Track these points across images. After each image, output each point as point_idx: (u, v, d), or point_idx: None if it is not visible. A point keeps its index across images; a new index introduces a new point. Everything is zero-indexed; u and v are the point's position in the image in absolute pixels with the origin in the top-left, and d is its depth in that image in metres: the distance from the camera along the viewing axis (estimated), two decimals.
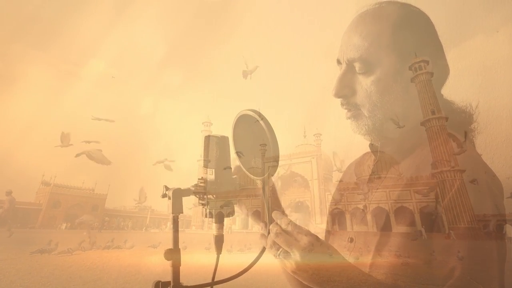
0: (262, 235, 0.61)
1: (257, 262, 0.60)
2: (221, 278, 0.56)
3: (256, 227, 0.65)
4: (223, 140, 0.59)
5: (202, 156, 0.60)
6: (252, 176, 0.60)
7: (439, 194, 0.64)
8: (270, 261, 0.61)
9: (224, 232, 0.60)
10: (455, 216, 0.61)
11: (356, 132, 0.80)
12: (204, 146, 0.59)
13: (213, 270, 0.57)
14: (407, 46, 0.75)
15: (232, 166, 0.61)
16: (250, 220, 0.67)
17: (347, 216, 0.79)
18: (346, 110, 0.82)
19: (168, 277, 0.52)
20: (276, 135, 0.56)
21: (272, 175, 0.59)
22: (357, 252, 0.71)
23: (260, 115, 0.55)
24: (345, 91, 0.79)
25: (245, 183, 0.64)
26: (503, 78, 0.94)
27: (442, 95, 0.80)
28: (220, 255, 0.59)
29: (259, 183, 0.60)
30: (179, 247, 0.54)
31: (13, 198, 21.35)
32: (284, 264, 0.57)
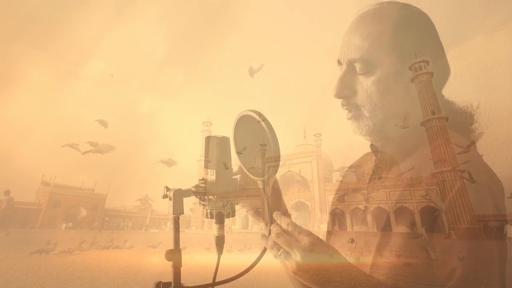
0: (263, 236, 0.61)
1: (258, 263, 0.59)
2: (222, 279, 0.55)
3: (256, 227, 0.65)
4: (223, 140, 0.59)
5: (203, 156, 0.60)
6: (252, 176, 0.60)
7: (439, 194, 0.64)
8: (271, 262, 0.61)
9: (225, 232, 0.60)
10: (455, 216, 0.61)
11: (356, 133, 0.80)
12: (205, 147, 0.59)
13: (213, 271, 0.57)
14: (408, 47, 0.75)
15: (234, 167, 0.61)
16: (250, 220, 0.67)
17: (347, 217, 0.79)
18: (346, 111, 0.82)
19: (168, 278, 0.52)
20: (277, 136, 0.56)
21: (273, 176, 0.59)
22: (358, 252, 0.71)
23: (261, 116, 0.55)
24: (346, 92, 0.79)
25: (246, 183, 0.64)
26: (504, 79, 0.94)
27: (443, 96, 0.79)
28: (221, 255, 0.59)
29: (259, 183, 0.60)
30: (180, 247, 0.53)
31: (11, 198, 21.31)
32: (285, 265, 0.57)
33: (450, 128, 0.72)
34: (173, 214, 0.54)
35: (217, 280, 0.55)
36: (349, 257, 0.71)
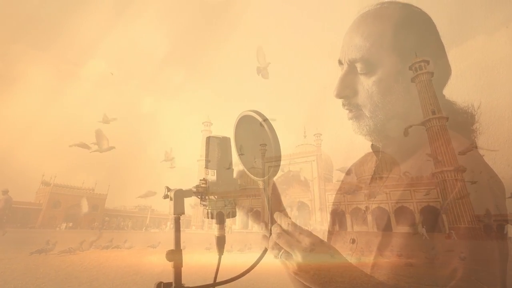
0: (264, 236, 0.60)
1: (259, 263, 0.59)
2: (222, 279, 0.55)
3: (256, 227, 0.65)
4: (224, 141, 0.59)
5: (203, 156, 0.60)
6: (253, 177, 0.60)
7: (440, 194, 0.64)
8: (271, 262, 0.61)
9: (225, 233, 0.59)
10: (455, 216, 0.61)
11: (357, 133, 0.80)
12: (206, 147, 0.59)
13: (214, 271, 0.57)
14: (409, 47, 0.74)
15: (235, 168, 0.60)
16: (250, 220, 0.67)
17: (348, 217, 0.79)
18: (347, 111, 0.81)
19: (168, 278, 0.52)
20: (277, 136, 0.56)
21: (274, 176, 0.59)
22: (359, 252, 0.71)
23: (262, 116, 0.55)
24: (347, 92, 0.79)
25: (246, 183, 0.63)
26: (505, 78, 0.93)
27: (444, 96, 0.79)
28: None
29: (260, 184, 0.60)
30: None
31: (10, 198, 21.24)
32: (286, 265, 0.57)
33: (451, 128, 0.72)
34: (174, 215, 0.54)
35: (217, 280, 0.55)
36: (350, 258, 0.71)
